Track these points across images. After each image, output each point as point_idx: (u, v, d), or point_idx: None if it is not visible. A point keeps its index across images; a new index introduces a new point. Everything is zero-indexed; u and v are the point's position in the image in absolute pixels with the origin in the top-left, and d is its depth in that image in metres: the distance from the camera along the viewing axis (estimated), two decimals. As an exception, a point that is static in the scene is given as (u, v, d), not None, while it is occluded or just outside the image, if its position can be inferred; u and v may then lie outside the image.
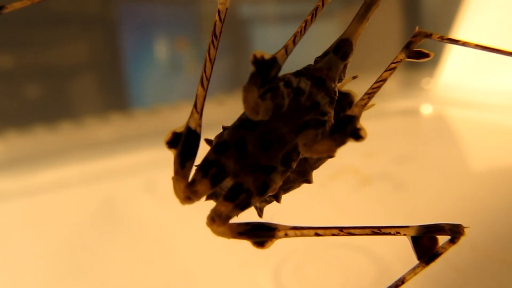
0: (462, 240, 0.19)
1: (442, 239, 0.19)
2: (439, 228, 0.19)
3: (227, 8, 0.18)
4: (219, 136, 0.18)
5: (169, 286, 0.33)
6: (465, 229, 0.19)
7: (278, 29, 0.78)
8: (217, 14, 0.18)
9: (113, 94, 0.72)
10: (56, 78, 0.67)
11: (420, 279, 0.28)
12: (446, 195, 0.41)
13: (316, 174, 0.20)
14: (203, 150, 0.18)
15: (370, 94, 0.17)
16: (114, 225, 0.43)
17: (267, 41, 0.76)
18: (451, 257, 0.30)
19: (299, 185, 0.19)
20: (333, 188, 0.44)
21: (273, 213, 0.19)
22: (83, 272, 0.35)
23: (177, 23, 0.73)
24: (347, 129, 0.15)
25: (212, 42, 0.18)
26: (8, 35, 0.62)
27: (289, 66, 0.18)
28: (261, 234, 0.17)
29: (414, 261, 0.19)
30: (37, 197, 0.50)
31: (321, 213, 0.39)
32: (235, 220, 0.17)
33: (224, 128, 0.18)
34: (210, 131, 0.19)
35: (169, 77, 0.74)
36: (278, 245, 0.22)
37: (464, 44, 0.19)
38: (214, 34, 0.18)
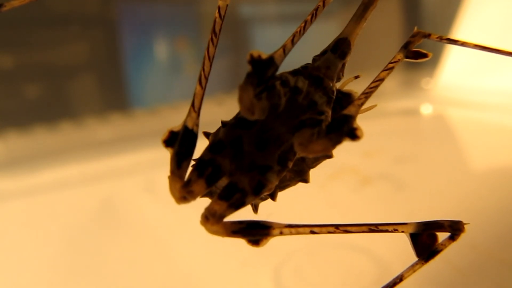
0: (462, 240, 0.19)
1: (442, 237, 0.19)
2: (438, 225, 0.18)
3: (227, 5, 0.18)
4: (215, 134, 0.18)
5: (169, 286, 0.33)
6: (465, 226, 0.19)
7: (278, 29, 0.78)
8: (217, 11, 0.18)
9: (113, 94, 0.72)
10: (56, 78, 0.67)
11: (420, 279, 0.28)
12: (446, 195, 0.41)
13: (315, 174, 0.20)
14: (202, 144, 0.18)
15: (367, 93, 0.17)
16: (114, 225, 0.43)
17: (267, 41, 0.76)
18: (451, 257, 0.30)
19: (295, 184, 0.19)
20: (332, 188, 0.44)
21: (269, 212, 0.19)
22: (83, 271, 0.35)
23: (177, 23, 0.73)
24: (344, 129, 0.15)
25: (212, 39, 0.18)
26: (8, 35, 0.62)
27: (288, 65, 0.18)
28: (255, 232, 0.17)
29: (415, 260, 0.19)
30: (37, 197, 0.50)
31: (321, 213, 0.39)
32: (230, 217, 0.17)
33: (223, 123, 0.18)
34: (210, 131, 0.19)
35: (169, 77, 0.74)
36: (278, 245, 0.22)
37: (463, 44, 0.19)
38: (214, 31, 0.18)
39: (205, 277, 0.33)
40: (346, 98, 0.18)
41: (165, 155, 0.17)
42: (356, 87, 0.19)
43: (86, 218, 0.44)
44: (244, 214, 0.18)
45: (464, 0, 0.73)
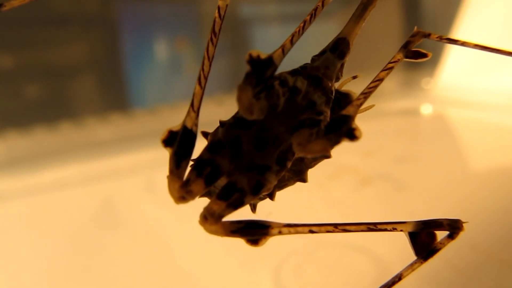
0: (462, 241, 0.19)
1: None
2: (437, 224, 0.18)
3: (227, 5, 0.18)
4: (214, 134, 0.18)
5: (169, 286, 0.33)
6: (464, 224, 0.19)
7: (278, 29, 0.78)
8: (217, 11, 0.18)
9: (113, 94, 0.72)
10: (56, 78, 0.67)
11: (420, 279, 0.28)
12: (446, 195, 0.41)
13: (315, 174, 0.20)
14: (200, 143, 0.18)
15: (366, 94, 0.16)
16: (114, 225, 0.43)
17: (267, 41, 0.76)
18: (451, 257, 0.30)
19: (293, 183, 0.19)
20: (332, 188, 0.44)
21: (269, 212, 0.19)
22: (84, 271, 0.35)
23: (177, 23, 0.73)
24: (342, 129, 0.15)
25: (211, 39, 0.18)
26: (8, 35, 0.62)
27: (287, 65, 0.18)
28: (254, 232, 0.17)
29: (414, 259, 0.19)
30: (37, 197, 0.50)
31: (320, 213, 0.39)
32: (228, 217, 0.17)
33: (222, 122, 0.18)
34: (209, 131, 0.19)
35: (169, 77, 0.74)
36: (278, 245, 0.22)
37: (463, 44, 0.19)
38: (213, 31, 0.18)
39: (205, 277, 0.33)
40: (344, 99, 0.18)
41: (165, 155, 0.17)
42: (356, 87, 0.19)
43: (86, 218, 0.44)
44: (243, 214, 0.18)
45: (464, 0, 0.73)
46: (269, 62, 0.16)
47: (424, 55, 0.18)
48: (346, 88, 0.19)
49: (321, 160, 0.19)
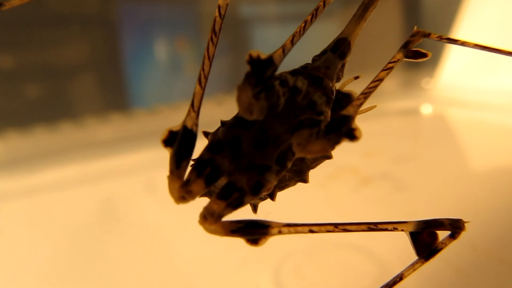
0: (462, 240, 0.19)
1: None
2: (438, 223, 0.18)
3: (227, 4, 0.18)
4: (214, 134, 0.18)
5: (169, 286, 0.33)
6: (465, 224, 0.19)
7: (278, 29, 0.78)
8: (217, 10, 0.18)
9: (113, 94, 0.72)
10: (56, 78, 0.67)
11: (420, 279, 0.28)
12: (446, 195, 0.41)
13: (315, 174, 0.20)
14: (201, 143, 0.18)
15: (366, 94, 0.16)
16: (114, 225, 0.43)
17: (267, 41, 0.76)
18: (451, 257, 0.30)
19: (294, 184, 0.19)
20: (332, 188, 0.44)
21: (268, 211, 0.19)
22: (83, 271, 0.35)
23: (177, 23, 0.73)
24: (342, 129, 0.15)
25: (211, 39, 0.18)
26: (8, 35, 0.62)
27: (287, 65, 0.18)
28: (254, 231, 0.17)
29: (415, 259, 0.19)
30: (37, 197, 0.50)
31: (320, 213, 0.39)
32: (228, 217, 0.17)
33: (223, 123, 0.18)
34: (210, 131, 0.19)
35: (169, 77, 0.74)
36: (278, 245, 0.22)
37: (463, 43, 0.19)
38: (214, 31, 0.18)
39: (205, 277, 0.33)
40: (345, 99, 0.18)
41: (165, 155, 0.17)
42: (356, 87, 0.19)
43: (86, 218, 0.44)
44: (244, 214, 0.18)
45: (464, 0, 0.73)
46: (269, 62, 0.16)
47: (424, 55, 0.18)
48: (346, 88, 0.19)
49: (322, 161, 0.19)
